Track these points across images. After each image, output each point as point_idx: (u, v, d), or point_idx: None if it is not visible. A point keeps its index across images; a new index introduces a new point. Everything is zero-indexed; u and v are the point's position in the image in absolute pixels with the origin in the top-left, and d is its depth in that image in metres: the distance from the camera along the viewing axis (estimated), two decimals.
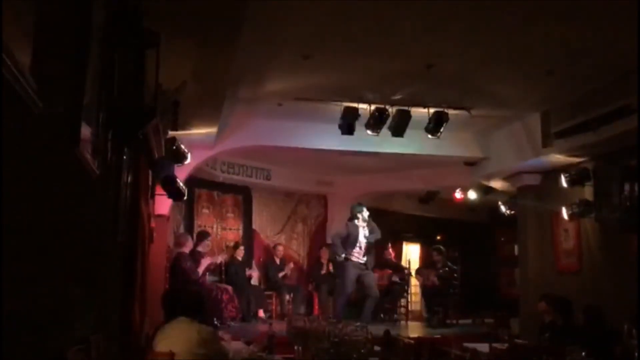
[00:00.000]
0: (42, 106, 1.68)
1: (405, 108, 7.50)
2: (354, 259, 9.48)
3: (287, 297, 10.94)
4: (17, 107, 1.54)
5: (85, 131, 2.39)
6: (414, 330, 10.04)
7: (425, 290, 11.39)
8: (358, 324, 4.29)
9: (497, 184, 10.26)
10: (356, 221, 9.60)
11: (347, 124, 7.57)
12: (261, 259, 11.72)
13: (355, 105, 7.45)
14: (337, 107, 7.55)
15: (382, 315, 10.81)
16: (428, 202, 12.74)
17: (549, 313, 6.41)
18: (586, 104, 6.97)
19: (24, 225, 1.71)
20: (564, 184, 7.97)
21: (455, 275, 11.38)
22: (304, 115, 8.34)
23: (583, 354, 4.43)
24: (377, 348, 4.80)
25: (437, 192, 12.16)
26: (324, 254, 11.58)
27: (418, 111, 7.57)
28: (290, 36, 5.69)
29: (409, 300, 11.85)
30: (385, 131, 7.63)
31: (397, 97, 7.40)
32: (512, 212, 10.28)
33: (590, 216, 7.80)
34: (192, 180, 9.25)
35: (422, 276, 11.47)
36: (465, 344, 5.94)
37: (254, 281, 10.99)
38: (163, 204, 8.18)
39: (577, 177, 7.83)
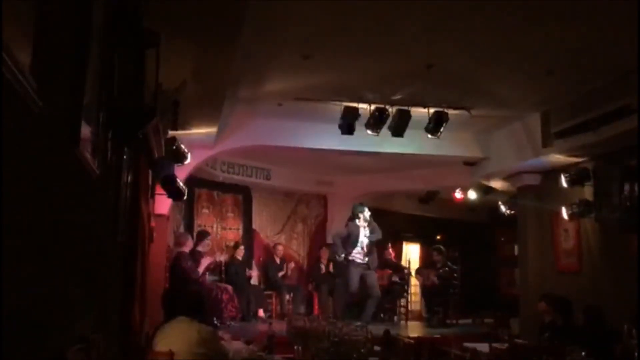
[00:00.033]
0: (42, 105, 1.68)
1: (405, 108, 7.50)
2: (355, 259, 9.48)
3: (287, 296, 10.95)
4: (17, 106, 1.54)
5: (85, 131, 2.39)
6: (413, 330, 10.05)
7: (425, 290, 11.40)
8: (358, 323, 4.29)
9: (497, 184, 10.26)
10: (357, 221, 9.61)
11: (347, 124, 7.57)
12: (261, 259, 11.72)
13: (355, 105, 7.46)
14: (337, 107, 7.55)
15: (382, 315, 10.81)
16: (428, 202, 12.75)
17: (549, 313, 6.41)
18: (586, 104, 6.97)
19: (24, 225, 1.71)
20: (564, 184, 7.97)
21: (455, 275, 11.39)
22: (304, 115, 8.34)
23: (583, 354, 4.44)
24: (377, 348, 4.81)
25: (437, 192, 12.17)
26: (324, 254, 11.59)
27: (418, 111, 7.57)
28: (290, 36, 5.69)
29: (409, 300, 11.86)
30: (385, 131, 7.63)
31: (397, 97, 7.40)
32: (512, 212, 10.29)
33: (590, 216, 7.80)
34: (192, 180, 9.26)
35: (422, 276, 11.48)
36: (465, 344, 5.95)
37: (254, 281, 10.99)
38: (163, 204, 8.18)
39: (577, 177, 7.83)
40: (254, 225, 11.90)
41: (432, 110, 7.63)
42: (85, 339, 2.41)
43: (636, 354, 4.55)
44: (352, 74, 6.80)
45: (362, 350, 3.80)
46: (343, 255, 9.55)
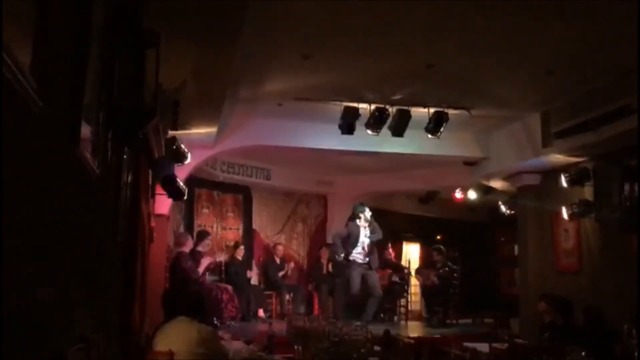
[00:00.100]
0: (42, 105, 1.68)
1: (405, 108, 7.50)
2: (356, 259, 9.48)
3: (287, 296, 10.95)
4: (17, 106, 1.54)
5: (86, 131, 2.39)
6: (413, 330, 10.05)
7: (425, 290, 11.40)
8: (358, 323, 4.29)
9: (497, 184, 10.26)
10: (358, 221, 9.60)
11: (347, 124, 7.57)
12: (261, 259, 11.72)
13: (355, 105, 7.46)
14: (337, 107, 7.55)
15: (382, 315, 10.81)
16: (428, 202, 12.75)
17: (549, 313, 6.41)
18: (586, 104, 6.97)
19: (24, 225, 1.71)
20: (564, 184, 7.97)
21: (455, 275, 11.39)
22: (304, 115, 8.34)
23: (583, 354, 4.44)
24: (377, 348, 4.81)
25: (437, 192, 12.17)
26: (324, 254, 11.60)
27: (418, 111, 7.57)
28: (290, 36, 5.69)
29: (409, 300, 11.86)
30: (385, 131, 7.63)
31: (397, 97, 7.40)
32: (512, 212, 10.29)
33: (590, 216, 7.80)
34: (192, 180, 9.26)
35: (422, 276, 11.48)
36: (465, 344, 5.94)
37: (253, 281, 10.99)
38: (163, 204, 8.18)
39: (577, 177, 7.83)
40: (254, 225, 11.90)
41: (432, 110, 7.63)
42: (85, 339, 2.41)
43: (636, 354, 4.55)
44: (352, 74, 6.80)
45: (362, 350, 3.80)
46: (343, 255, 9.55)
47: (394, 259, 12.35)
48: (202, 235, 9.58)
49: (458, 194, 11.24)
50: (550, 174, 8.76)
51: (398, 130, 7.62)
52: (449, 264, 11.26)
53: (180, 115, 6.19)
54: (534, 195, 9.25)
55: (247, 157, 10.82)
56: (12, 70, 1.40)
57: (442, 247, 11.51)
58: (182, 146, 6.79)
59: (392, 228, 12.41)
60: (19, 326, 1.64)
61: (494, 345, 5.80)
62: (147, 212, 6.00)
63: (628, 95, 6.17)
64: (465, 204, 11.67)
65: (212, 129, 7.44)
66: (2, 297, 1.43)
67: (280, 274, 11.13)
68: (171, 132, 6.55)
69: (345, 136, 7.77)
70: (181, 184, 6.87)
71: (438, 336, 8.32)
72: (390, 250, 12.28)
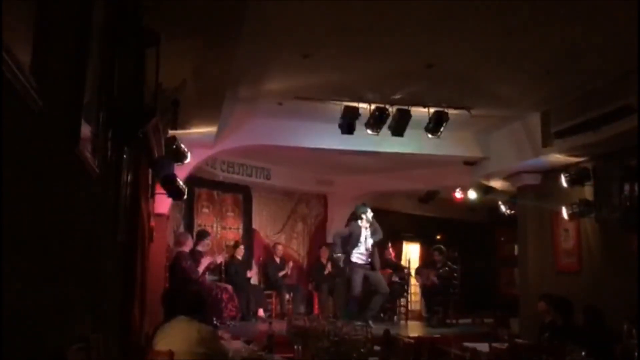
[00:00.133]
0: (42, 105, 1.68)
1: (405, 107, 7.50)
2: (357, 260, 9.48)
3: (287, 296, 10.95)
4: (18, 105, 1.54)
5: (86, 130, 2.39)
6: (413, 329, 10.05)
7: (425, 289, 11.41)
8: (358, 323, 4.29)
9: (497, 184, 10.26)
10: (359, 222, 9.60)
11: (347, 124, 7.57)
12: (261, 258, 11.72)
13: (355, 104, 7.45)
14: (337, 107, 7.55)
15: (382, 315, 10.82)
16: (428, 202, 12.74)
17: (549, 313, 6.41)
18: (586, 104, 6.97)
19: (24, 224, 1.71)
20: (564, 184, 7.97)
21: (455, 274, 11.39)
22: (304, 114, 8.34)
23: (583, 354, 4.43)
24: (377, 347, 4.80)
25: (437, 192, 12.17)
26: (324, 254, 11.60)
27: (418, 111, 7.57)
28: (290, 36, 5.69)
29: (409, 299, 11.86)
30: (385, 131, 7.63)
31: (397, 96, 7.40)
32: (512, 212, 10.29)
33: (590, 216, 7.80)
34: (192, 180, 9.26)
35: (422, 276, 11.49)
36: (465, 344, 5.94)
37: (253, 280, 11.00)
38: (163, 203, 8.18)
39: (577, 177, 7.83)
40: (254, 225, 11.90)
41: (432, 110, 7.63)
42: (85, 339, 2.41)
43: (636, 354, 4.55)
44: (352, 73, 6.80)
45: (362, 350, 3.80)
46: (340, 255, 9.56)
47: (394, 259, 12.36)
48: (202, 234, 9.59)
49: (458, 194, 11.24)
50: (550, 173, 8.76)
51: (398, 130, 7.62)
52: (449, 263, 11.27)
53: (180, 115, 6.18)
54: (534, 195, 9.25)
55: (247, 157, 10.82)
56: (12, 70, 1.40)
57: (442, 247, 11.51)
58: (182, 146, 6.79)
59: (392, 228, 12.41)
60: (19, 326, 1.64)
61: (494, 345, 5.81)
62: (147, 211, 6.01)
63: (628, 95, 6.16)
64: (465, 203, 11.67)
65: (212, 129, 7.44)
66: (2, 297, 1.43)
67: (280, 273, 11.13)
68: (171, 132, 6.54)
69: (345, 136, 7.77)
70: (181, 183, 6.87)
71: (438, 336, 8.32)
72: (390, 250, 12.28)
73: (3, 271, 1.43)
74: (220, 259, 9.71)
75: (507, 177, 9.66)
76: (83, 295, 2.73)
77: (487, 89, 7.22)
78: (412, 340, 6.05)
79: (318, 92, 7.38)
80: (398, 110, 7.52)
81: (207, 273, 9.31)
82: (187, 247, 8.91)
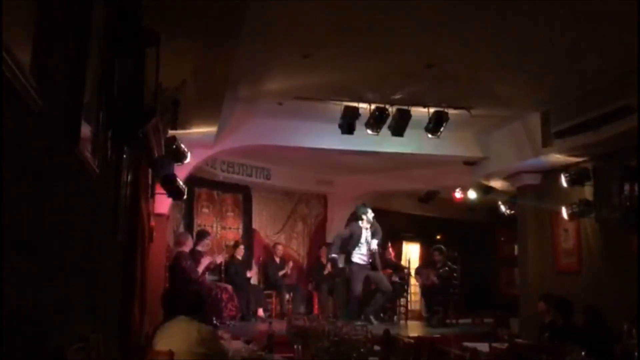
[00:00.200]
0: (42, 104, 1.68)
1: (405, 107, 7.50)
2: (358, 260, 9.48)
3: (287, 296, 10.95)
4: (17, 105, 1.54)
5: (86, 130, 2.39)
6: (413, 329, 10.04)
7: (425, 289, 11.40)
8: (359, 323, 4.29)
9: (497, 184, 10.26)
10: (360, 222, 9.59)
11: (347, 124, 7.57)
12: (261, 258, 11.72)
13: (355, 104, 7.45)
14: (337, 107, 7.55)
15: (382, 315, 10.81)
16: (428, 202, 12.74)
17: (548, 313, 6.41)
18: (586, 104, 6.97)
19: (24, 224, 1.71)
20: (564, 184, 7.96)
21: (455, 274, 11.38)
22: (304, 114, 8.34)
23: (583, 354, 4.44)
24: (376, 347, 4.81)
25: (437, 192, 12.17)
26: (324, 254, 11.59)
27: (418, 111, 7.57)
28: (290, 36, 5.69)
29: (409, 299, 11.86)
30: (385, 130, 7.63)
31: (397, 96, 7.40)
32: (512, 212, 10.29)
33: (590, 216, 7.80)
34: (192, 179, 9.26)
35: (422, 276, 11.49)
36: (465, 344, 5.94)
37: (253, 280, 10.99)
38: (163, 203, 8.18)
39: (577, 177, 7.82)
40: (254, 225, 11.90)
41: (432, 109, 7.63)
42: (85, 339, 2.41)
43: (636, 354, 4.55)
44: (352, 73, 6.80)
45: (362, 350, 3.80)
46: (335, 256, 9.58)
47: (394, 259, 12.35)
48: (202, 234, 9.58)
49: (458, 194, 11.24)
50: (550, 173, 8.76)
51: (398, 129, 7.62)
52: (449, 263, 11.26)
53: (180, 115, 6.19)
54: (534, 195, 9.25)
55: (247, 157, 10.82)
56: (12, 70, 1.40)
57: (442, 247, 11.51)
58: (182, 145, 6.79)
59: (392, 228, 12.42)
60: (19, 326, 1.64)
61: (494, 345, 5.81)
62: (147, 211, 6.01)
63: (628, 95, 6.16)
64: (465, 203, 11.67)
65: (212, 129, 7.44)
66: (2, 297, 1.43)
67: (280, 273, 11.13)
68: (171, 132, 6.54)
69: (345, 136, 7.77)
70: (181, 183, 6.87)
71: (438, 336, 8.32)
72: (390, 250, 12.27)
73: (3, 271, 1.43)
74: (220, 258, 9.71)
75: (507, 177, 9.66)
76: (83, 295, 2.73)
77: (487, 89, 7.22)
78: (412, 340, 6.04)
79: (318, 92, 7.38)
80: (398, 110, 7.52)
81: (207, 273, 9.31)
82: (187, 247, 8.90)
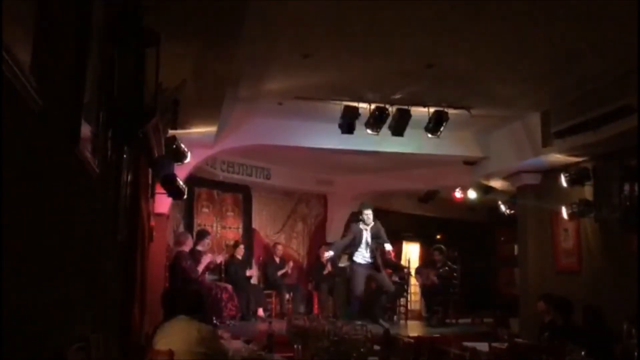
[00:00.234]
0: (42, 104, 1.68)
1: (405, 107, 7.50)
2: (360, 259, 9.48)
3: (287, 296, 10.95)
4: (18, 105, 1.54)
5: (86, 130, 2.39)
6: (413, 329, 10.05)
7: (425, 289, 11.41)
8: (359, 322, 4.29)
9: (497, 184, 10.25)
10: (360, 224, 9.59)
11: (347, 123, 7.57)
12: (261, 258, 11.72)
13: (355, 104, 7.45)
14: (337, 106, 7.55)
15: (376, 310, 10.79)
16: (428, 202, 12.74)
17: (548, 313, 6.41)
18: (586, 104, 6.97)
19: (23, 224, 1.71)
20: (564, 184, 7.96)
21: (455, 274, 11.39)
22: (304, 114, 8.34)
23: (583, 353, 4.44)
24: (376, 347, 4.80)
25: (437, 192, 12.16)
26: (324, 253, 11.58)
27: (418, 110, 7.56)
28: (290, 36, 5.69)
29: (409, 299, 11.86)
30: (385, 130, 7.62)
31: (397, 96, 7.40)
32: (512, 211, 10.29)
33: (590, 216, 7.80)
34: (192, 179, 9.26)
35: (422, 275, 11.49)
36: (465, 343, 5.94)
37: (253, 280, 11.00)
38: (163, 203, 8.19)
39: (577, 177, 7.82)
40: (254, 225, 11.91)
41: (432, 109, 7.63)
42: (85, 339, 2.41)
43: (636, 354, 4.55)
44: (352, 73, 6.80)
45: (362, 350, 3.80)
46: (332, 252, 9.60)
47: (393, 259, 12.34)
48: (202, 234, 9.59)
49: (458, 194, 11.24)
50: (550, 173, 8.76)
51: (398, 129, 7.62)
52: (449, 263, 11.27)
53: (180, 115, 6.19)
54: (533, 195, 9.25)
55: (247, 157, 10.82)
56: (12, 70, 1.40)
57: (442, 247, 11.52)
58: (182, 145, 6.79)
59: (392, 228, 12.40)
60: (19, 326, 1.64)
61: (494, 344, 5.80)
62: (147, 211, 6.01)
63: (628, 95, 6.16)
64: (465, 203, 11.67)
65: (212, 128, 7.44)
66: (2, 297, 1.43)
67: (280, 273, 11.13)
68: (171, 132, 6.55)
69: (345, 135, 7.76)
70: (181, 183, 6.87)
71: (438, 335, 8.33)
72: (391, 250, 12.25)
73: (3, 271, 1.43)
74: (220, 258, 9.71)
75: (507, 177, 9.66)
76: (83, 295, 2.74)
77: (487, 89, 7.22)
78: (412, 340, 6.04)
79: (318, 92, 7.38)
80: (398, 110, 7.52)
81: (207, 272, 9.31)
82: (187, 247, 8.91)
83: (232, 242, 10.93)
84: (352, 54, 6.22)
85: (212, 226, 10.95)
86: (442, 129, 7.63)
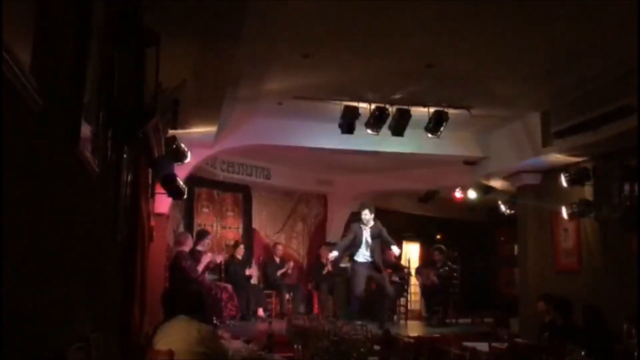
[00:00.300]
0: (42, 104, 1.68)
1: (405, 107, 7.50)
2: (362, 259, 9.48)
3: (287, 296, 10.95)
4: (18, 105, 1.54)
5: (86, 130, 2.39)
6: (413, 329, 10.05)
7: (425, 289, 11.41)
8: (359, 322, 4.29)
9: (497, 184, 10.26)
10: (361, 224, 9.59)
11: (347, 123, 7.57)
12: (261, 258, 11.72)
13: (355, 104, 7.45)
14: (337, 106, 7.55)
15: (382, 314, 10.80)
16: (428, 202, 12.74)
17: (548, 313, 6.41)
18: (586, 104, 6.97)
19: (23, 224, 1.71)
20: (564, 184, 7.97)
21: (455, 274, 11.39)
22: (304, 114, 8.34)
23: (583, 353, 4.43)
24: (376, 347, 4.81)
25: (437, 192, 12.17)
26: (324, 253, 11.59)
27: (418, 110, 7.57)
28: (290, 35, 5.69)
29: (409, 299, 11.86)
30: (385, 130, 7.63)
31: (397, 96, 7.40)
32: (512, 211, 10.29)
33: (590, 216, 7.80)
34: (192, 179, 9.26)
35: (422, 275, 11.49)
36: (465, 343, 5.93)
37: (253, 280, 11.00)
38: (163, 203, 8.18)
39: (577, 177, 7.83)
40: (254, 225, 11.91)
41: (432, 109, 7.63)
42: (85, 339, 2.41)
43: (636, 354, 4.55)
44: (352, 73, 6.80)
45: (362, 350, 3.79)
46: (335, 253, 9.60)
47: (394, 259, 12.34)
48: (202, 234, 9.59)
49: (458, 194, 11.24)
50: (550, 173, 8.76)
51: (398, 129, 7.62)
52: (449, 263, 11.27)
53: (180, 115, 6.19)
54: (533, 194, 9.25)
55: (247, 156, 10.82)
56: (12, 69, 1.40)
57: (442, 246, 11.52)
58: (182, 145, 6.79)
59: (392, 228, 12.39)
60: (19, 326, 1.64)
61: (494, 344, 5.80)
62: (147, 211, 6.01)
63: (628, 95, 6.16)
64: (465, 203, 11.67)
65: (212, 128, 7.44)
66: (2, 297, 1.43)
67: (279, 272, 11.12)
68: (171, 131, 6.54)
69: (345, 135, 7.77)
70: (181, 183, 6.87)
71: (438, 335, 8.32)
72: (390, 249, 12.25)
73: (3, 271, 1.43)
74: (220, 257, 9.71)
75: (507, 177, 9.66)
76: (83, 295, 2.73)
77: (487, 89, 7.22)
78: (412, 340, 6.04)
79: (318, 91, 7.38)
80: (398, 110, 7.52)
81: (206, 272, 9.31)
82: (187, 247, 8.91)
83: (232, 242, 10.92)
84: (352, 54, 6.22)
85: (212, 226, 10.95)
86: (442, 129, 7.63)
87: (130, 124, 3.41)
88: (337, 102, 7.52)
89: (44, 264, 1.97)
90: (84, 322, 2.74)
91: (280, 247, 11.60)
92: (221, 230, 11.27)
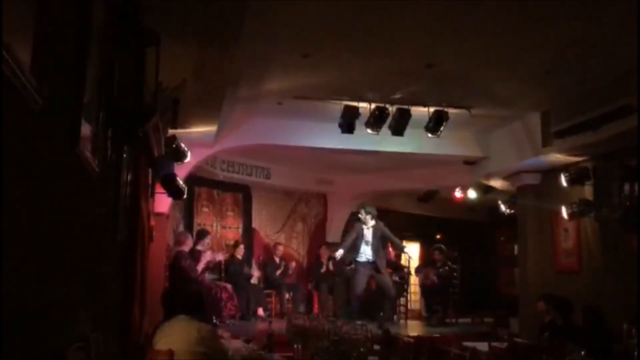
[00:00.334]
0: (42, 104, 1.68)
1: (406, 107, 7.50)
2: (363, 259, 9.48)
3: (287, 295, 10.95)
4: (17, 104, 1.54)
5: (85, 129, 2.39)
6: (413, 329, 10.05)
7: (425, 289, 11.41)
8: (359, 322, 4.29)
9: (497, 183, 10.26)
10: (363, 226, 9.59)
11: (347, 123, 7.57)
12: (261, 258, 11.72)
13: (355, 104, 7.45)
14: (337, 106, 7.55)
15: (381, 315, 10.80)
16: (428, 201, 12.74)
17: (548, 313, 6.41)
18: (586, 103, 6.97)
19: (23, 224, 1.71)
20: (564, 183, 7.97)
21: (455, 274, 11.39)
22: (304, 114, 8.34)
23: (583, 353, 4.43)
24: (376, 347, 4.80)
25: (437, 191, 12.16)
26: (324, 253, 11.59)
27: (418, 110, 7.56)
28: (290, 35, 5.69)
29: (409, 299, 11.86)
30: (385, 130, 7.62)
31: (397, 96, 7.40)
32: (512, 211, 10.29)
33: (590, 216, 7.80)
34: (192, 179, 9.26)
35: (421, 274, 11.49)
36: (465, 343, 5.94)
37: (253, 280, 10.99)
38: (163, 203, 8.18)
39: (577, 177, 7.83)
40: (254, 224, 11.91)
41: (432, 109, 7.63)
42: (85, 339, 2.41)
43: (636, 354, 4.54)
44: (352, 72, 6.80)
45: (362, 349, 3.79)
46: (341, 251, 9.59)
47: (394, 259, 12.35)
48: (202, 234, 9.58)
49: (458, 193, 11.24)
50: (550, 173, 8.76)
51: (398, 129, 7.62)
52: (449, 263, 11.28)
53: (180, 114, 6.19)
54: (533, 194, 9.25)
55: (246, 156, 10.82)
56: (12, 69, 1.40)
57: (442, 246, 11.52)
58: (182, 145, 6.78)
59: (392, 227, 12.39)
60: (19, 326, 1.64)
61: (494, 344, 5.80)
62: (147, 211, 6.01)
63: (628, 95, 6.16)
64: (465, 203, 11.66)
65: (212, 128, 7.44)
66: (2, 297, 1.43)
67: (278, 272, 11.12)
68: (171, 131, 6.54)
69: (345, 135, 7.76)
70: (181, 182, 6.86)
71: (437, 335, 8.32)
72: (390, 249, 12.26)
73: (3, 271, 1.43)
74: (220, 256, 9.71)
75: (507, 177, 9.66)
76: (83, 295, 2.73)
77: (487, 89, 7.22)
78: (412, 340, 6.04)
79: (318, 91, 7.38)
80: (398, 109, 7.52)
81: (206, 272, 9.31)
82: (186, 247, 8.90)
83: (232, 242, 10.92)
84: (352, 54, 6.22)
85: (212, 226, 10.95)
86: (442, 128, 7.63)
87: (130, 123, 3.41)
88: (337, 101, 7.52)
89: (44, 264, 1.97)
90: (84, 322, 2.74)
91: (280, 248, 11.59)
92: (221, 230, 11.27)
